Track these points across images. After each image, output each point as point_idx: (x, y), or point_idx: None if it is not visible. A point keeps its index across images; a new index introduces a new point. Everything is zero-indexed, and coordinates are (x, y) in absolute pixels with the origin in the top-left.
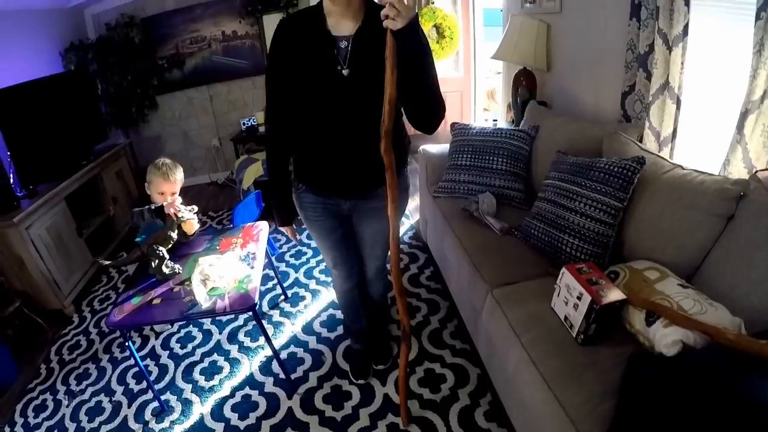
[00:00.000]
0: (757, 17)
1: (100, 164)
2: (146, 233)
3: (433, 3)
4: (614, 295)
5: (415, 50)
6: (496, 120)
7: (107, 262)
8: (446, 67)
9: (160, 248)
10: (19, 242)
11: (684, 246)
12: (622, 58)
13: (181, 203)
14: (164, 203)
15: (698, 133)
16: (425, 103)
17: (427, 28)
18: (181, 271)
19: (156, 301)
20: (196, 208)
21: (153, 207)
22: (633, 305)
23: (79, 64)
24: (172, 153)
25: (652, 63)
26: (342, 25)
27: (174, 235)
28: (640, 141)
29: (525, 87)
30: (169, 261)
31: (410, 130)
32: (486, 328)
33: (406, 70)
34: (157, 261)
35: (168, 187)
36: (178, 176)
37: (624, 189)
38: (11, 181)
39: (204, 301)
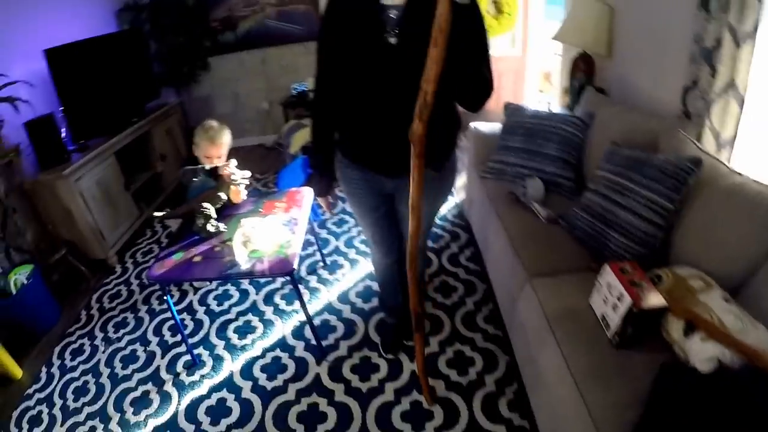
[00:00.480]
0: None
1: (151, 122)
2: (197, 191)
3: None
4: (655, 300)
5: (472, 29)
6: (550, 103)
7: (159, 214)
8: (502, 45)
9: (208, 206)
10: (68, 194)
11: (733, 258)
12: (687, 51)
13: (236, 166)
14: (219, 165)
15: (761, 139)
16: (473, 85)
17: (484, 2)
18: (225, 231)
19: (197, 259)
20: (249, 174)
21: (207, 167)
22: (673, 313)
23: (132, 23)
24: (223, 114)
25: (719, 59)
26: None
27: (223, 196)
28: (699, 140)
29: (583, 71)
30: (214, 220)
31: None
32: (521, 317)
33: (459, 49)
34: (203, 219)
35: (214, 151)
36: (225, 140)
37: (676, 190)
38: (63, 135)
39: (243, 263)
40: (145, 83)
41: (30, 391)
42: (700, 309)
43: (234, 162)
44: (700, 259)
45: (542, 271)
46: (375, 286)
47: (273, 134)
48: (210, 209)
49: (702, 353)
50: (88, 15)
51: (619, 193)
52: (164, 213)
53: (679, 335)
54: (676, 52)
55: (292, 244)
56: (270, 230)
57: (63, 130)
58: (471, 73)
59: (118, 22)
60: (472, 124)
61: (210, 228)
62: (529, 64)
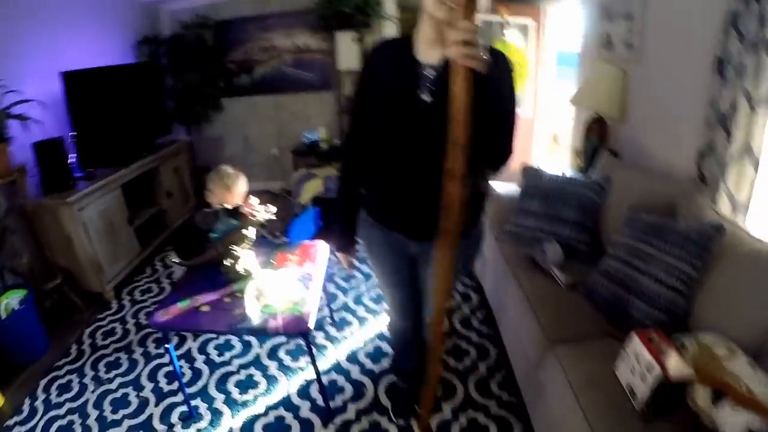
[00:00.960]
0: None
1: (160, 157)
2: (222, 234)
3: (504, 38)
4: (684, 370)
5: (489, 90)
6: (563, 167)
7: (177, 261)
8: None
9: (236, 248)
10: (70, 221)
11: (756, 323)
12: (702, 115)
13: (258, 203)
14: (239, 204)
15: None
16: (499, 148)
17: None
18: (252, 273)
19: (204, 308)
20: (274, 209)
21: (228, 206)
22: (700, 382)
23: (150, 57)
24: (231, 156)
25: (734, 123)
26: (431, 53)
27: (249, 234)
28: (714, 204)
29: (596, 134)
30: (243, 262)
31: None
32: (542, 384)
33: (486, 112)
34: (232, 261)
35: (230, 199)
36: (241, 187)
37: (700, 257)
38: (71, 160)
39: (256, 317)
40: (157, 118)
41: (10, 422)
42: (727, 376)
43: (256, 200)
44: (723, 325)
45: (564, 337)
46: (385, 346)
47: (280, 180)
48: (238, 251)
49: (732, 422)
50: (109, 43)
51: (641, 259)
52: (186, 261)
53: (707, 404)
54: (691, 117)
55: (308, 302)
56: (284, 285)
57: (71, 155)
58: (495, 137)
59: (137, 53)
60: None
61: (239, 269)
62: (538, 124)
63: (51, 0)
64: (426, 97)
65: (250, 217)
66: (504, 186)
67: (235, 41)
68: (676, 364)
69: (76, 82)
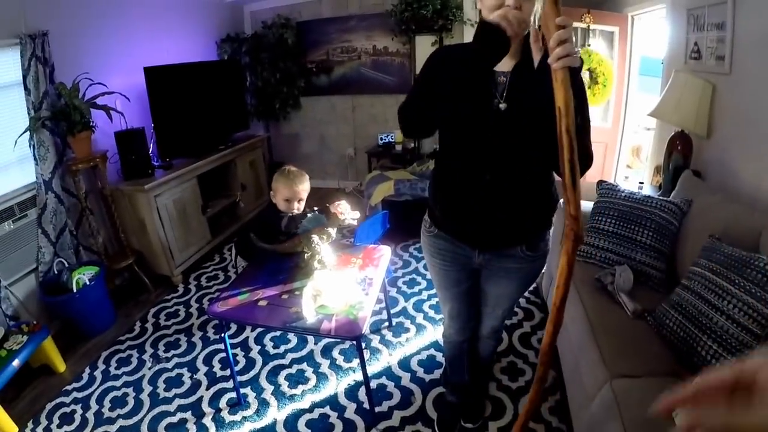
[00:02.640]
0: None
1: (237, 151)
2: (309, 225)
3: (589, 45)
4: None
5: (583, 89)
6: (642, 183)
7: (262, 244)
8: (594, 116)
9: (318, 241)
10: (146, 207)
11: None
12: None
13: (348, 207)
14: (330, 205)
15: None
16: (580, 147)
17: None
18: (331, 268)
19: (262, 303)
20: (358, 215)
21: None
22: None
23: (232, 55)
24: (307, 154)
25: None
26: (502, 61)
27: (333, 232)
28: None
29: (679, 152)
30: (321, 257)
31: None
32: (594, 418)
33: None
34: (310, 253)
35: (293, 195)
36: (305, 185)
37: None
38: (150, 150)
39: (310, 317)
40: (236, 113)
41: (69, 387)
42: None
43: (346, 205)
44: None
45: (624, 371)
46: (439, 356)
47: (354, 181)
48: (319, 244)
49: None
50: (191, 41)
51: (717, 294)
52: (267, 245)
53: None
54: None
55: (364, 307)
56: (342, 287)
57: (151, 145)
58: (581, 145)
59: (219, 51)
60: (562, 200)
61: (316, 264)
62: (619, 137)
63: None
64: (502, 105)
65: (339, 216)
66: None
67: (315, 42)
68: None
69: (157, 76)
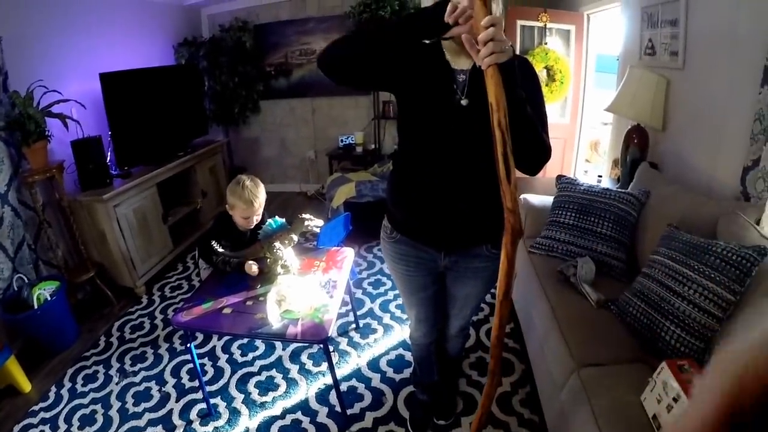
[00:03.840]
0: None
1: (197, 157)
2: (270, 232)
3: (546, 44)
4: None
5: (517, 82)
6: (600, 176)
7: (221, 250)
8: (552, 113)
9: (280, 247)
10: (105, 218)
11: None
12: (748, 129)
13: (310, 212)
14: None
15: None
16: (533, 149)
17: (538, 69)
18: (295, 273)
19: (227, 311)
20: (321, 222)
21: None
22: None
23: (190, 59)
24: (267, 157)
25: None
26: (459, 60)
27: (296, 238)
28: (758, 223)
29: (636, 145)
30: (284, 262)
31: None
32: (564, 407)
33: (519, 114)
34: (273, 258)
35: (253, 212)
36: (262, 198)
37: (740, 281)
38: (108, 159)
39: (275, 322)
40: (195, 119)
41: (36, 408)
42: None
43: (308, 215)
44: None
45: (590, 360)
46: (408, 355)
47: (315, 183)
48: (281, 250)
49: None
50: (147, 45)
51: (678, 281)
52: (225, 253)
53: None
54: (736, 130)
55: (329, 310)
56: (306, 291)
57: (109, 153)
58: (531, 138)
59: (176, 56)
60: (522, 196)
61: (279, 270)
62: (577, 132)
63: (92, 4)
64: (464, 101)
65: (300, 220)
66: (538, 198)
67: (273, 44)
68: None
69: (113, 83)
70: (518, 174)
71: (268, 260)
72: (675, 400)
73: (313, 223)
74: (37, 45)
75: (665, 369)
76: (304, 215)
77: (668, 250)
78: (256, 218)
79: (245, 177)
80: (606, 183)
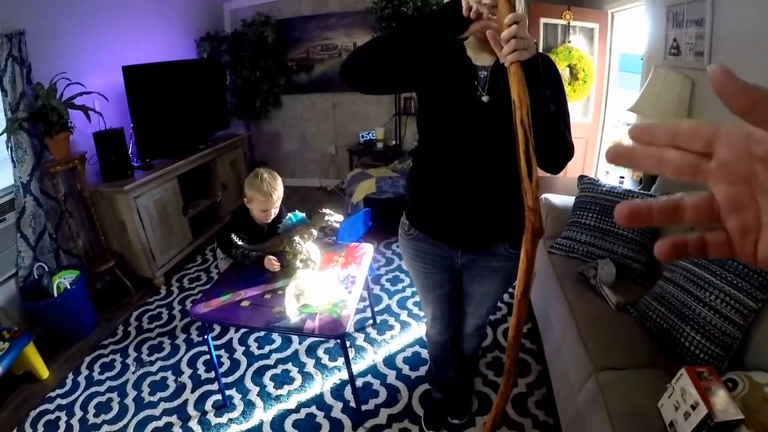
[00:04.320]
0: None
1: (217, 150)
2: (290, 225)
3: (569, 42)
4: (732, 412)
5: (541, 80)
6: (623, 177)
7: (240, 243)
8: (574, 112)
9: (300, 241)
10: (126, 209)
11: None
12: None
13: (329, 207)
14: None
15: None
16: (555, 147)
17: (561, 67)
18: (315, 266)
19: (245, 303)
20: (341, 218)
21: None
22: (748, 426)
23: (212, 53)
24: (288, 152)
25: None
26: (481, 56)
27: (315, 232)
28: None
29: None
30: (303, 256)
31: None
32: (579, 410)
33: (543, 111)
34: (292, 253)
35: (270, 206)
36: (280, 191)
37: (763, 288)
38: (130, 150)
39: (293, 316)
40: (216, 112)
41: (53, 394)
42: None
43: (333, 213)
44: None
45: (609, 364)
46: (424, 353)
47: (335, 179)
48: (301, 243)
49: None
50: (170, 39)
51: (699, 286)
52: (246, 246)
53: None
54: None
55: (347, 305)
56: (325, 286)
57: (130, 145)
58: (554, 136)
59: (199, 50)
60: (544, 196)
61: (298, 263)
62: (600, 132)
63: None
64: (485, 98)
65: (321, 215)
66: (559, 197)
67: (295, 40)
68: (723, 405)
69: (136, 76)
70: (540, 173)
71: (288, 254)
72: (693, 407)
73: (333, 218)
74: (60, 38)
75: (684, 375)
76: (324, 210)
77: None
78: (274, 212)
79: (263, 170)
80: (628, 184)
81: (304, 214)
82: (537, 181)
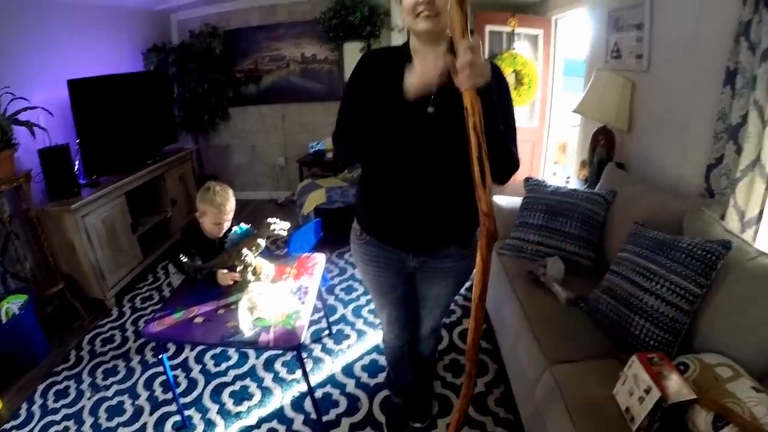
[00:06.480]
0: None
1: (166, 165)
2: (237, 238)
3: (514, 49)
4: (684, 393)
5: (494, 104)
6: (569, 178)
7: (185, 259)
8: (520, 116)
9: (248, 253)
10: (73, 228)
11: (762, 344)
12: (711, 128)
13: (280, 219)
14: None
15: None
16: (502, 160)
17: (506, 73)
18: (268, 278)
19: (198, 320)
20: (288, 225)
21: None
22: (701, 405)
23: (159, 65)
24: (237, 164)
25: (744, 136)
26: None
27: (263, 243)
28: (722, 219)
29: (603, 146)
30: (255, 267)
31: None
32: (538, 405)
33: (491, 128)
34: (242, 266)
35: (223, 219)
36: (232, 204)
37: (705, 274)
38: (76, 167)
39: (247, 330)
40: (164, 126)
41: (7, 426)
42: (729, 400)
43: (277, 221)
44: (727, 345)
45: (562, 357)
46: (382, 360)
47: (286, 190)
48: (249, 256)
49: None
50: (116, 51)
51: (645, 276)
52: (193, 264)
53: (707, 428)
54: (700, 129)
55: (301, 316)
56: (278, 298)
57: (77, 162)
58: (502, 153)
59: (145, 62)
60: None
61: (250, 276)
62: (545, 135)
63: (60, 9)
64: (430, 109)
65: (270, 227)
66: (507, 199)
67: (244, 51)
68: (676, 387)
69: (81, 90)
70: None
71: (238, 268)
72: (646, 391)
73: (279, 226)
74: (3, 51)
75: (636, 362)
76: (269, 219)
77: (635, 247)
78: (227, 225)
79: (215, 183)
80: (574, 184)
81: (249, 226)
82: (490, 186)
